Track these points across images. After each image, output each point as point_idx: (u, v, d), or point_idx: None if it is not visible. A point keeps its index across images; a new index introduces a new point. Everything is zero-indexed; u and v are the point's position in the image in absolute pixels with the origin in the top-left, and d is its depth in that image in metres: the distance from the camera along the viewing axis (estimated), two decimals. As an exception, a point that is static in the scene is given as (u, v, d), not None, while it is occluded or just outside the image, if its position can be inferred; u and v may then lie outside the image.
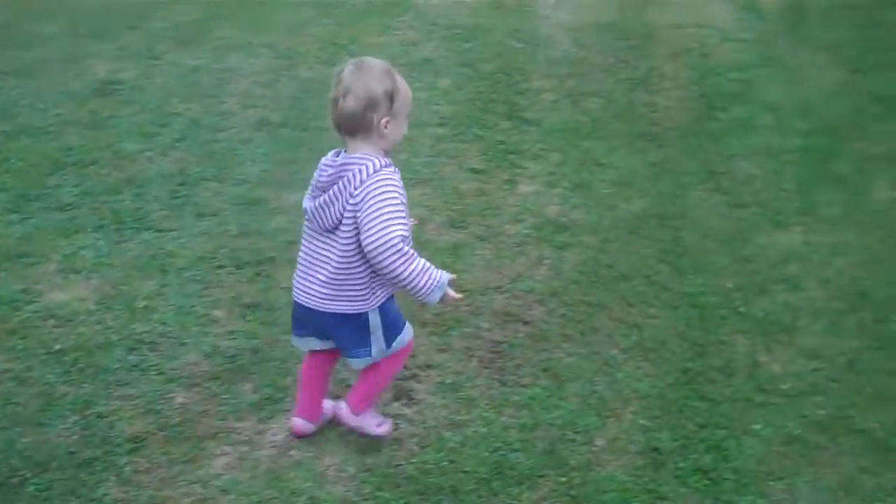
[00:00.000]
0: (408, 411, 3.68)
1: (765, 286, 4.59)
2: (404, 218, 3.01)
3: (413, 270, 3.01)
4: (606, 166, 5.71)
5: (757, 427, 3.66)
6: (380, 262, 2.97)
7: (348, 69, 2.98)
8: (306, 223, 3.15)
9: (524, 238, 4.92)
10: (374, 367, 3.31)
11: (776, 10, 8.20)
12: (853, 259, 4.81)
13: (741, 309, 4.42)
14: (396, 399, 3.73)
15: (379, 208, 2.94)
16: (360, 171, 2.95)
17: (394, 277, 3.02)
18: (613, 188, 5.48)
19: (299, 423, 3.46)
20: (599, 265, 4.73)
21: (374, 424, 3.45)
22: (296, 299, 3.23)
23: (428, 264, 3.05)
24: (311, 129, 5.90)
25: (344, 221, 3.00)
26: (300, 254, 3.20)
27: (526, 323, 4.27)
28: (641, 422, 3.67)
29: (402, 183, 3.04)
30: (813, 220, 5.12)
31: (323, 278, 3.11)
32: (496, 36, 7.48)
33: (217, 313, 4.21)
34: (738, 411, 3.79)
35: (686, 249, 4.88)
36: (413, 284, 3.03)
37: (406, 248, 2.98)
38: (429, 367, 3.95)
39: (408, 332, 3.35)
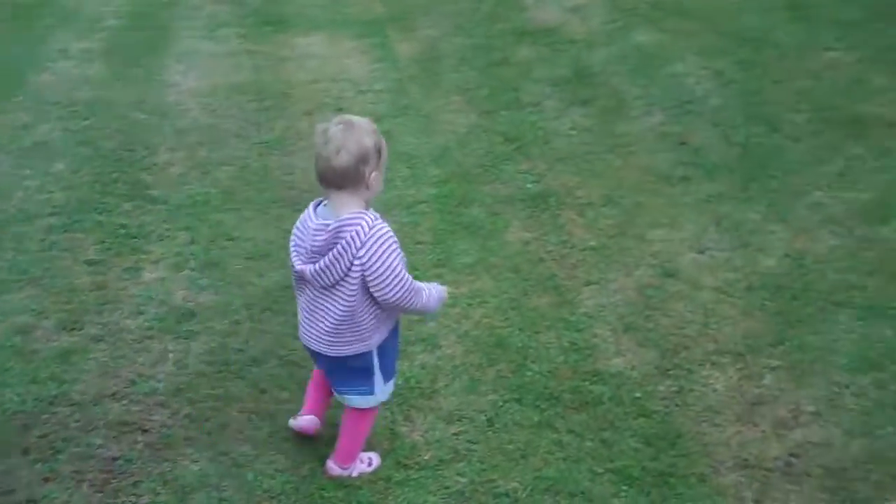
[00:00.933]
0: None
1: (403, 349, 4.41)
2: (405, 261, 3.26)
3: (425, 300, 3.35)
4: (239, 240, 5.40)
5: (395, 510, 3.46)
6: (401, 307, 3.30)
7: (337, 127, 3.16)
8: (300, 282, 3.33)
9: (146, 332, 4.52)
10: (349, 420, 3.59)
11: (410, 59, 8.21)
12: (490, 308, 4.74)
13: (380, 378, 4.21)
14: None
15: (389, 264, 3.17)
16: (357, 232, 3.13)
17: (409, 309, 3.36)
18: (246, 263, 5.17)
19: (306, 419, 3.74)
20: (229, 351, 4.42)
21: (365, 466, 3.70)
22: (305, 344, 3.48)
23: (429, 286, 3.40)
24: None
25: (348, 279, 3.19)
26: (300, 304, 3.42)
27: (145, 431, 3.88)
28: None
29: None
30: (449, 271, 5.03)
31: (327, 328, 3.32)
32: (119, 109, 7.00)
33: None
34: (378, 494, 3.58)
35: (321, 321, 4.63)
36: (425, 309, 3.40)
37: (417, 286, 3.30)
38: (31, 502, 3.46)
39: (392, 385, 3.60)
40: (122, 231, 5.40)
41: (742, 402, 3.96)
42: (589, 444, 3.78)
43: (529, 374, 4.24)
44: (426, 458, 3.77)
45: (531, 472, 3.67)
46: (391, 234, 3.20)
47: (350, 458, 3.66)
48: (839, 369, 4.06)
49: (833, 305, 4.47)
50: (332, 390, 3.64)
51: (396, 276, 3.19)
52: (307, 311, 3.39)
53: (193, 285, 4.95)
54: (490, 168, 6.16)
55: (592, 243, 5.19)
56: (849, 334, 4.28)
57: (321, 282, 3.23)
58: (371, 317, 3.31)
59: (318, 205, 3.29)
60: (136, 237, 5.34)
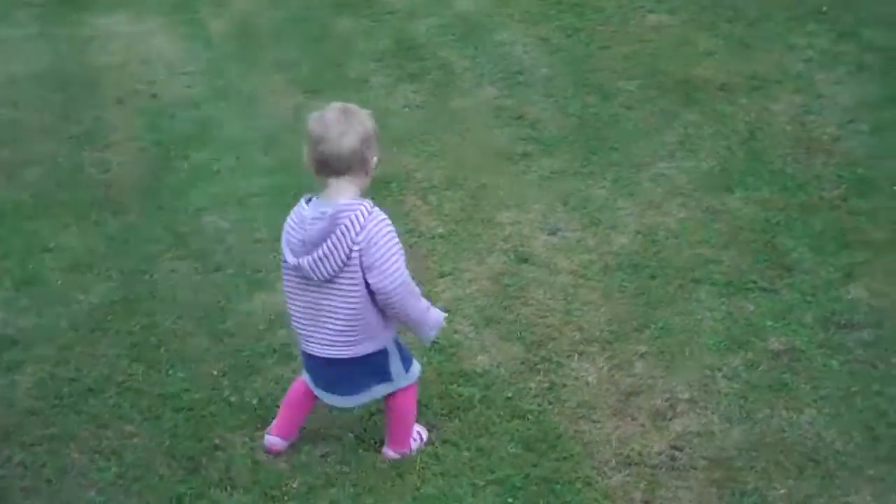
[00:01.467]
0: None
1: (253, 364, 4.11)
2: (404, 255, 3.17)
3: (421, 306, 3.27)
4: (56, 250, 4.95)
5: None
6: (395, 300, 3.15)
7: (334, 114, 3.10)
8: (293, 277, 3.20)
9: (-38, 370, 4.04)
10: (392, 405, 3.46)
11: (223, 36, 7.75)
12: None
13: (232, 399, 3.91)
14: None
15: (388, 249, 3.09)
16: (356, 217, 3.04)
17: (404, 314, 3.23)
18: (68, 277, 4.74)
19: (274, 440, 3.57)
20: (61, 382, 4.02)
21: (419, 443, 3.59)
22: (309, 352, 3.31)
23: (428, 301, 3.32)
24: None
25: (348, 269, 3.09)
26: (293, 307, 3.28)
27: (-27, 487, 3.44)
28: None
29: None
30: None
31: (336, 328, 3.20)
32: None
33: None
34: (245, 533, 3.28)
35: (161, 338, 4.29)
36: (421, 319, 3.29)
37: (416, 288, 3.23)
38: None
39: (417, 364, 3.49)
40: (-80, 252, 4.84)
41: (616, 394, 3.84)
42: (466, 454, 3.58)
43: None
44: (295, 486, 3.51)
45: (409, 491, 3.45)
46: (390, 223, 3.15)
47: (405, 441, 3.56)
48: (708, 351, 4.00)
49: (692, 283, 4.42)
50: (338, 401, 3.50)
51: (394, 265, 3.12)
52: (308, 316, 3.26)
53: (11, 307, 4.50)
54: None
55: (440, 230, 4.98)
56: (712, 312, 4.23)
57: (319, 274, 3.11)
58: (377, 312, 3.23)
59: (309, 200, 3.20)
60: (-63, 257, 4.80)
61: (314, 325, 3.27)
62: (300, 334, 3.35)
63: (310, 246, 3.11)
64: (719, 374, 3.88)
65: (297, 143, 5.83)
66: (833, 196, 4.95)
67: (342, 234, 3.06)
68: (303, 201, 3.23)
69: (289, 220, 3.24)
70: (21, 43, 7.44)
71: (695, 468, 3.45)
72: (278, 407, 3.78)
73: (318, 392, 3.51)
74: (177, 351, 4.20)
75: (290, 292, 3.30)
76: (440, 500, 3.41)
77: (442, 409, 3.83)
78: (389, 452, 3.57)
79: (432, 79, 6.62)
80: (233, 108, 6.50)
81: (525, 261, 4.70)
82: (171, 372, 4.07)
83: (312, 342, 3.31)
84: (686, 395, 3.80)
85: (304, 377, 3.55)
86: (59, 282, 4.69)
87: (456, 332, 4.25)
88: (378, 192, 5.23)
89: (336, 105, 3.19)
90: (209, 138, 6.07)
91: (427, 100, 6.35)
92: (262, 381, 4.00)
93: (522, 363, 4.07)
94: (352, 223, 3.06)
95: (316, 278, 3.14)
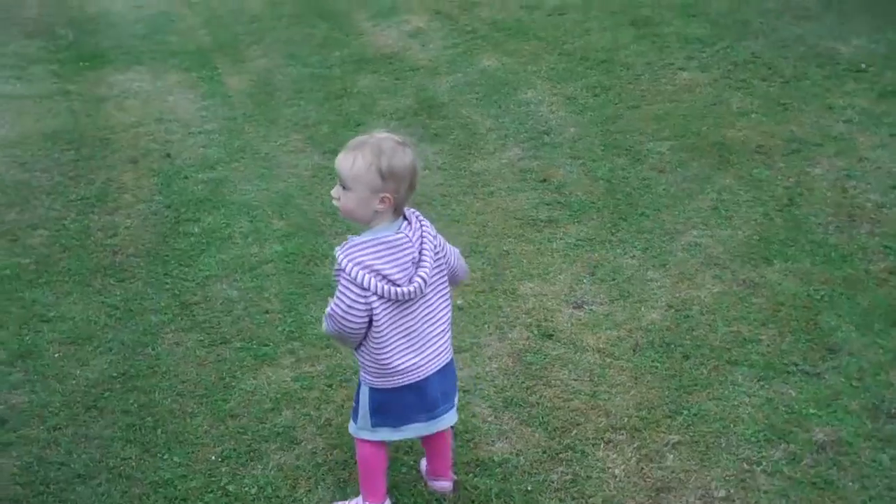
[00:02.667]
0: None
1: (256, 448, 3.82)
2: None
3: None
4: (56, 320, 4.70)
5: None
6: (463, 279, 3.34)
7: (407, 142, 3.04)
8: (396, 305, 3.04)
9: (-57, 451, 3.79)
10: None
11: (242, 93, 7.58)
12: (353, 388, 4.16)
13: (230, 487, 3.63)
14: None
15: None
16: (428, 223, 3.10)
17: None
18: (65, 349, 4.49)
19: None
20: (48, 467, 3.74)
21: None
22: (425, 377, 3.17)
23: None
24: None
25: (439, 266, 3.13)
26: (402, 334, 3.10)
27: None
28: None
29: None
30: (303, 344, 4.45)
31: (445, 325, 3.19)
32: None
33: None
34: None
35: (158, 418, 4.01)
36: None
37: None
38: None
39: None
40: (-86, 320, 4.61)
41: (645, 489, 3.51)
42: (481, 557, 3.25)
43: (405, 469, 3.70)
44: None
45: None
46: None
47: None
48: (746, 441, 3.67)
49: (728, 364, 4.09)
50: (450, 417, 3.34)
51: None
52: (422, 331, 3.13)
53: (3, 382, 4.25)
54: (339, 217, 5.59)
55: (459, 301, 4.69)
56: (750, 397, 3.89)
57: (437, 278, 3.12)
58: None
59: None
60: (-70, 327, 4.57)
61: (430, 335, 3.16)
62: (413, 359, 3.15)
63: (412, 267, 3.04)
64: (758, 469, 3.55)
65: (313, 206, 5.66)
66: (880, 269, 4.62)
67: (430, 242, 3.10)
68: (378, 234, 3.03)
69: (377, 259, 3.00)
70: (35, 100, 7.30)
71: (733, 580, 3.11)
72: (279, 498, 3.49)
73: (429, 424, 3.30)
74: (174, 433, 3.92)
75: (394, 319, 3.08)
76: None
77: (455, 502, 3.52)
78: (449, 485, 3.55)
79: (455, 139, 6.39)
80: (248, 168, 6.28)
81: (549, 336, 4.40)
82: (166, 456, 3.79)
83: (428, 356, 3.17)
84: (722, 493, 3.47)
85: (394, 438, 3.36)
86: (56, 355, 4.44)
87: (474, 415, 3.95)
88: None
89: (399, 138, 3.05)
90: (222, 201, 5.84)
91: (448, 161, 6.11)
92: (262, 468, 3.72)
93: (544, 452, 3.75)
94: (430, 230, 3.10)
95: (433, 286, 3.13)
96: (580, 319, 4.50)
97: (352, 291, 2.98)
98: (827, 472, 3.50)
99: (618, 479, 3.59)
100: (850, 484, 3.44)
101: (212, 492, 3.62)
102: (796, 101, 6.31)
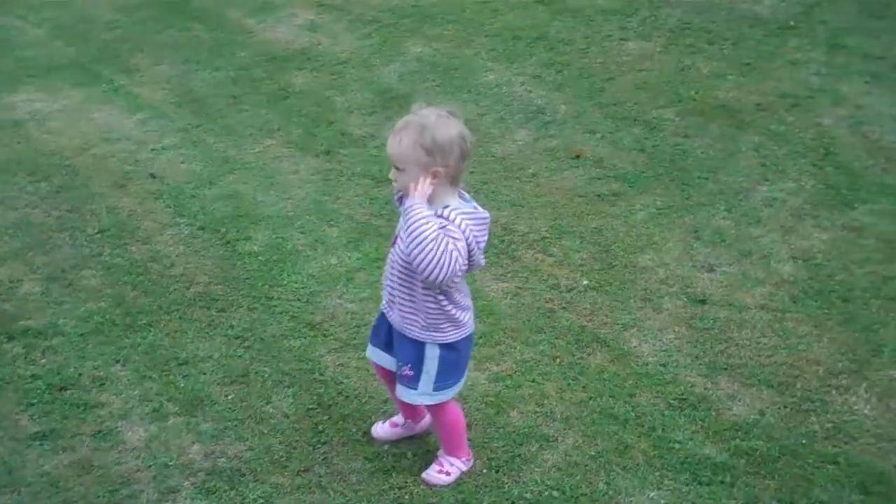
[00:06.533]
0: None
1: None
2: None
3: None
4: (195, 362, 4.42)
5: None
6: None
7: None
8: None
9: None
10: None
11: (168, 104, 7.13)
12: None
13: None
14: None
15: None
16: None
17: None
18: (233, 390, 4.26)
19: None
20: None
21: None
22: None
23: None
24: None
25: None
26: (467, 295, 3.37)
27: None
28: None
29: None
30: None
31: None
32: None
33: None
34: None
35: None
36: None
37: None
38: None
39: None
40: None
41: (910, 422, 3.79)
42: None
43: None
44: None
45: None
46: None
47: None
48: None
49: (888, 300, 4.45)
50: None
51: None
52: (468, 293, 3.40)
53: (203, 434, 3.91)
54: (389, 215, 5.47)
55: (585, 282, 4.77)
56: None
57: None
58: None
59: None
60: None
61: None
62: (471, 319, 3.39)
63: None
64: None
65: (353, 210, 5.44)
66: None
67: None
68: (470, 201, 3.22)
69: (474, 224, 3.16)
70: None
71: None
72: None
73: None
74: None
75: (461, 284, 3.32)
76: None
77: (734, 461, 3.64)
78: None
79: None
80: (250, 180, 5.99)
81: (703, 302, 4.58)
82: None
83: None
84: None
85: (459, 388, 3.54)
86: (230, 396, 4.12)
87: (692, 385, 4.07)
88: (501, 253, 4.97)
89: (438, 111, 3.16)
90: (253, 215, 5.56)
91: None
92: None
93: (786, 406, 3.95)
94: None
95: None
96: (721, 282, 4.71)
97: (461, 243, 3.10)
98: None
99: (871, 418, 3.84)
100: None
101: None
102: (758, 61, 6.79)
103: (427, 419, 3.80)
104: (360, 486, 3.65)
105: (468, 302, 3.40)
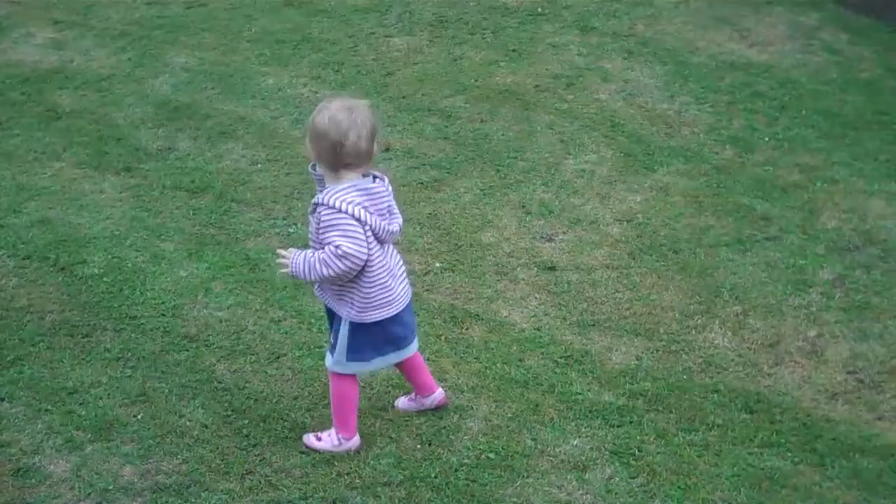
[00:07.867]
0: None
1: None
2: None
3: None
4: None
5: None
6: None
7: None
8: (380, 244, 3.51)
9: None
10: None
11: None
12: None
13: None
14: None
15: None
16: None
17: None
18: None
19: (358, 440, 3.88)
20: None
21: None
22: (404, 307, 3.67)
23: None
24: None
25: None
26: (389, 268, 3.58)
27: None
28: None
29: None
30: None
31: (404, 270, 3.71)
32: None
33: None
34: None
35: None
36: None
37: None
38: None
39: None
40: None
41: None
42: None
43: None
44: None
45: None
46: None
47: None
48: None
49: (703, 248, 5.03)
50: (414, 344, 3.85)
51: None
52: (394, 270, 3.61)
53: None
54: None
55: (438, 264, 5.05)
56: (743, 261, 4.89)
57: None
58: None
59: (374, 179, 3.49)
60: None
61: (402, 275, 3.66)
62: (401, 289, 3.63)
63: (388, 214, 3.52)
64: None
65: (174, 213, 5.31)
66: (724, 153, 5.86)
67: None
68: (363, 178, 3.45)
69: (362, 195, 3.42)
70: None
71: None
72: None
73: (407, 350, 3.80)
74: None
75: (381, 256, 3.53)
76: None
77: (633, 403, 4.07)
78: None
79: (253, 131, 6.41)
80: (55, 203, 5.75)
81: (553, 268, 5.00)
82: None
83: (405, 292, 3.66)
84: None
85: (365, 370, 3.85)
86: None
87: (570, 342, 4.46)
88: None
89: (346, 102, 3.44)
90: (78, 238, 5.36)
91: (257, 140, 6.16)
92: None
93: (657, 350, 4.42)
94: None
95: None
96: (563, 248, 5.15)
97: (351, 226, 3.41)
98: None
99: (732, 349, 4.40)
100: None
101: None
102: (522, 46, 7.31)
103: (433, 397, 4.00)
104: (309, 479, 3.73)
105: (385, 295, 3.58)
